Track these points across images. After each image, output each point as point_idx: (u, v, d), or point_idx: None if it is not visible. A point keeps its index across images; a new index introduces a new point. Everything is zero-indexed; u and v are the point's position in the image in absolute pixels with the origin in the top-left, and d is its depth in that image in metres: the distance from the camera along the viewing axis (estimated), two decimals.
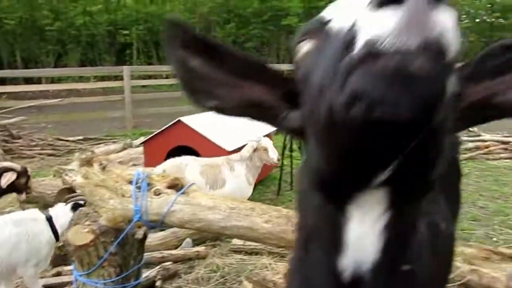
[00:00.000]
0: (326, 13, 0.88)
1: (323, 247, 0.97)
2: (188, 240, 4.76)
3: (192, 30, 0.97)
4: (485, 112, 0.88)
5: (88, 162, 2.88)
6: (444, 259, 1.50)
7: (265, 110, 1.00)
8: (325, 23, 0.84)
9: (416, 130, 0.65)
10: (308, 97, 0.82)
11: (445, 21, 0.62)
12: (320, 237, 0.98)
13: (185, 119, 6.43)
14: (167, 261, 4.32)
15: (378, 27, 0.62)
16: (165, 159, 5.82)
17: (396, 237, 0.88)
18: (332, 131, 0.72)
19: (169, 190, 2.89)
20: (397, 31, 0.60)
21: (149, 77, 19.57)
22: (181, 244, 4.73)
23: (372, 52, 0.62)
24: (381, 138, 0.67)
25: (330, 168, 0.79)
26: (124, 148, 8.89)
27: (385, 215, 0.84)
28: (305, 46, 0.89)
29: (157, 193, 2.84)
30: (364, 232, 0.86)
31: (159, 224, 2.90)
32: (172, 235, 4.76)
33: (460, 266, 2.73)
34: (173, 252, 4.51)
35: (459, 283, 2.76)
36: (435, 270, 1.24)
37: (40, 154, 9.57)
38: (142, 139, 7.85)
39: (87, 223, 2.87)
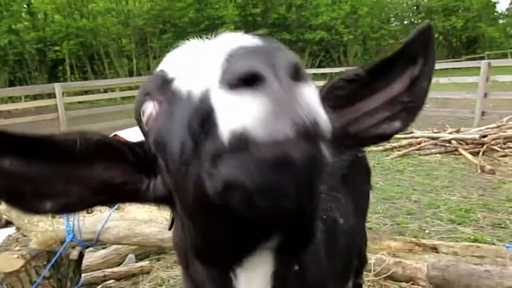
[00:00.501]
0: (166, 68, 0.80)
1: None
2: (131, 255, 4.65)
3: None
4: (344, 142, 0.89)
5: None
6: (343, 251, 1.56)
7: (120, 189, 0.85)
8: (168, 81, 0.77)
9: (299, 208, 0.64)
10: (169, 170, 0.76)
11: (310, 97, 0.60)
12: None
13: (122, 133, 6.29)
14: (110, 279, 4.20)
15: (243, 114, 0.58)
16: None
17: (284, 283, 0.87)
18: (204, 212, 0.69)
19: (102, 207, 2.85)
20: (267, 120, 0.57)
21: (86, 92, 18.97)
22: (124, 261, 4.63)
23: (243, 142, 0.58)
24: (259, 220, 0.65)
25: (206, 245, 0.76)
26: None
27: (271, 271, 0.82)
28: (149, 107, 0.80)
29: (90, 211, 2.79)
30: None
31: (94, 243, 2.86)
32: (114, 252, 4.63)
33: (385, 260, 2.90)
34: (116, 269, 4.38)
35: (385, 275, 2.93)
36: (333, 263, 1.31)
37: None
38: None
39: (16, 248, 2.77)
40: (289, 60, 0.59)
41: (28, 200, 0.79)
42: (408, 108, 0.88)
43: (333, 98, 0.90)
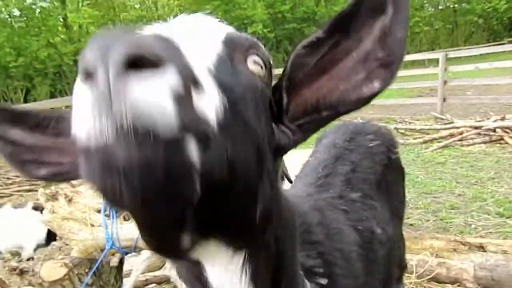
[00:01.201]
0: None
1: None
2: None
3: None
4: (321, 113, 0.83)
5: (53, 196, 2.86)
6: (382, 263, 1.50)
7: None
8: None
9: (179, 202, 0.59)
10: None
11: (144, 89, 0.51)
12: None
13: None
14: (152, 283, 4.27)
15: (77, 112, 0.55)
16: None
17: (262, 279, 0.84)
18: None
19: None
20: (89, 121, 0.52)
21: None
22: (165, 265, 4.69)
23: (84, 147, 0.54)
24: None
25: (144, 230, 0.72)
26: None
27: (233, 264, 0.80)
28: None
29: (127, 218, 2.83)
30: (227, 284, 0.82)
31: (133, 249, 2.89)
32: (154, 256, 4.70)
33: (428, 260, 2.75)
34: (157, 273, 4.45)
35: (428, 277, 2.78)
36: (371, 276, 1.25)
37: (19, 191, 9.38)
38: None
39: (59, 257, 2.85)
40: (127, 48, 0.51)
41: (27, 166, 0.92)
42: (385, 63, 0.77)
43: (300, 70, 0.83)
